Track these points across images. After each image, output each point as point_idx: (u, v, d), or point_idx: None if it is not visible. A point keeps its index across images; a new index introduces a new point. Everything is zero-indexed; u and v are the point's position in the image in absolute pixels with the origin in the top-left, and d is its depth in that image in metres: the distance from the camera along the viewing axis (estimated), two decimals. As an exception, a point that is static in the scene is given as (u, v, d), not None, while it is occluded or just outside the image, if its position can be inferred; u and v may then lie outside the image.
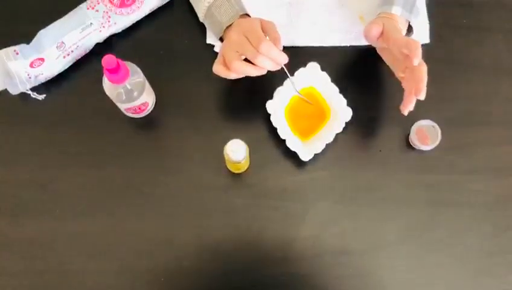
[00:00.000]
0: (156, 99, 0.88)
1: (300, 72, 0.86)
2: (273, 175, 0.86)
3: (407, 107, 0.76)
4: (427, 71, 0.75)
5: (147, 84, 0.82)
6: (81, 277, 0.81)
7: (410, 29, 0.85)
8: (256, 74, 0.76)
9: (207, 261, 0.82)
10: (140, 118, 0.87)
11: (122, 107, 0.82)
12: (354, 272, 0.82)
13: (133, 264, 0.82)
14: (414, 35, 0.86)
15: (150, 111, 0.87)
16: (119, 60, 0.73)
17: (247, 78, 0.78)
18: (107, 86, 0.78)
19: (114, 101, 0.80)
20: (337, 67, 0.86)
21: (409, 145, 0.87)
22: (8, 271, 0.81)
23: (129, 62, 0.78)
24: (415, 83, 0.75)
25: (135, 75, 0.78)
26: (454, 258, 0.83)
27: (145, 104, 0.83)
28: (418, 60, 0.73)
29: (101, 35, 0.87)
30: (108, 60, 0.72)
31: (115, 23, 0.87)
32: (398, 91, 0.82)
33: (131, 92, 0.78)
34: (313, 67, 0.86)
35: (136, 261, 0.82)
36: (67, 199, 0.84)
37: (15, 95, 0.85)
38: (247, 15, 0.83)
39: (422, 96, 0.75)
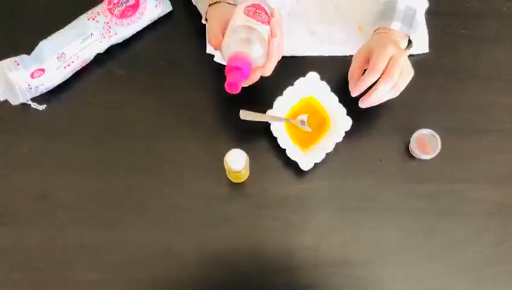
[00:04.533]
0: (156, 109, 0.88)
1: (300, 81, 0.86)
2: (273, 184, 0.86)
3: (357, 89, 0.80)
4: (380, 95, 0.78)
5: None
6: (81, 287, 0.81)
7: (409, 42, 0.85)
8: None
9: (207, 271, 0.82)
10: (140, 127, 0.87)
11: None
12: (354, 281, 0.82)
13: (132, 275, 0.82)
14: (414, 46, 0.86)
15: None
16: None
17: (247, 88, 0.78)
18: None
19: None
20: (336, 77, 0.87)
21: (409, 155, 0.87)
22: (7, 281, 0.81)
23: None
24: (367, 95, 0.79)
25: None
26: (455, 268, 0.83)
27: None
28: (355, 91, 0.79)
29: (101, 46, 0.88)
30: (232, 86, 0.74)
31: (116, 33, 0.88)
32: (398, 100, 0.82)
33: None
34: (313, 77, 0.87)
35: (136, 271, 0.82)
36: (66, 209, 0.84)
37: (15, 105, 0.85)
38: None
39: (361, 103, 0.80)
